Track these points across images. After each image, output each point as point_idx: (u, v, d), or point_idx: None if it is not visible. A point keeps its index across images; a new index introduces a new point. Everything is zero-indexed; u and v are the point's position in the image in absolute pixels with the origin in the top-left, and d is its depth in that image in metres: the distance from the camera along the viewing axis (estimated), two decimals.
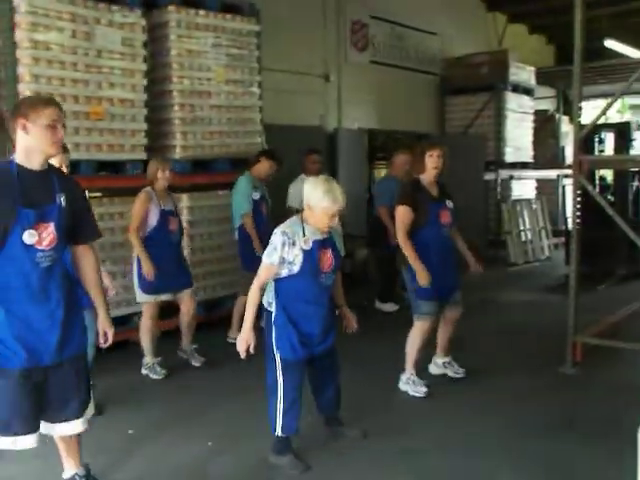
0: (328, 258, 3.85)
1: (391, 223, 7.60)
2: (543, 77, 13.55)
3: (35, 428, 3.21)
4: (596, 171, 9.75)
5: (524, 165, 12.86)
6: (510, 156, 12.31)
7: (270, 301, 3.90)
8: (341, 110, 10.73)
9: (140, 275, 5.45)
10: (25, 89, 5.60)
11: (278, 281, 3.85)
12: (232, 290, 7.12)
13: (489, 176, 11.99)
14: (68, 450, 3.54)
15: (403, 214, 4.97)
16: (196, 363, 5.88)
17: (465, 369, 5.46)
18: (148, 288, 5.48)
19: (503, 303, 8.56)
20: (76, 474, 3.58)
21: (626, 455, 2.99)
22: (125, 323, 6.21)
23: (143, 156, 6.42)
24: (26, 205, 3.00)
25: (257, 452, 4.12)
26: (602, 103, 14.68)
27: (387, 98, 11.48)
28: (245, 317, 3.83)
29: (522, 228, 11.73)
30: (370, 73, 11.36)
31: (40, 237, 3.04)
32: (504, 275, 10.46)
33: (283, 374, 3.85)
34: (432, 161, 5.02)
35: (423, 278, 4.84)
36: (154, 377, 5.61)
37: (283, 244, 3.72)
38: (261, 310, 3.95)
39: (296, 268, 3.76)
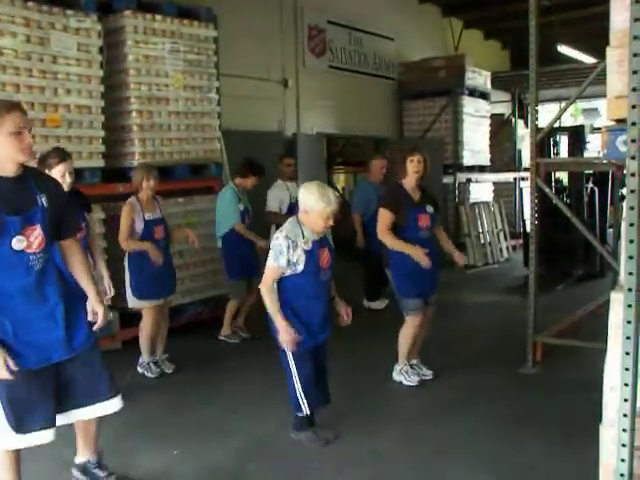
0: (326, 256, 4.15)
1: (360, 230, 7.75)
2: (499, 81, 13.72)
3: (52, 424, 3.22)
4: (552, 173, 9.90)
5: (482, 168, 13.01)
6: (468, 159, 12.44)
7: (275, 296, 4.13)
8: (299, 115, 10.73)
9: (133, 282, 5.57)
10: None
11: (281, 280, 4.11)
12: (192, 297, 7.14)
13: (447, 179, 12.10)
14: (86, 437, 3.64)
15: (384, 217, 5.19)
16: (168, 370, 5.88)
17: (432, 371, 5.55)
18: (141, 294, 5.57)
19: (463, 305, 8.64)
20: (88, 461, 3.71)
21: (586, 452, 3.04)
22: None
23: (101, 163, 6.36)
24: (9, 213, 2.99)
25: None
26: (556, 107, 14.97)
27: (345, 103, 11.52)
28: (274, 315, 4.05)
29: (481, 230, 11.87)
30: (328, 78, 11.39)
31: (29, 241, 3.05)
32: (463, 277, 10.55)
33: (295, 364, 4.14)
34: (413, 166, 5.22)
35: (419, 256, 5.02)
36: (150, 375, 5.73)
37: (288, 247, 3.99)
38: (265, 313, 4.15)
39: (300, 268, 4.04)
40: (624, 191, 2.83)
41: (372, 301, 8.27)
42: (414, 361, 5.55)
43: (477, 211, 11.97)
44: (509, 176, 14.26)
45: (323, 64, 11.38)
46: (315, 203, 4.00)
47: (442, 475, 3.96)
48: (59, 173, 4.46)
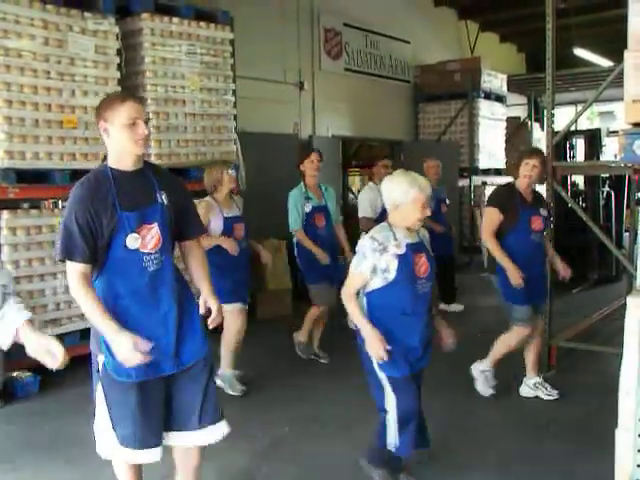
0: (423, 263, 3.48)
1: (434, 224, 7.50)
2: (514, 85, 13.69)
3: (158, 442, 3.00)
4: (568, 177, 9.86)
5: (497, 171, 12.97)
6: (483, 162, 12.41)
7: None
8: (315, 118, 10.74)
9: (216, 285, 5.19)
10: None
11: (371, 294, 3.48)
12: None
13: (462, 182, 12.08)
14: (186, 469, 3.23)
15: (491, 216, 4.95)
16: (231, 391, 5.37)
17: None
18: (223, 297, 4.96)
19: (477, 308, 8.59)
20: None
21: (601, 456, 3.02)
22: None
23: None
24: (126, 209, 2.84)
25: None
26: (572, 110, 14.92)
27: (361, 106, 11.53)
28: (360, 325, 3.43)
29: None
30: (344, 81, 11.41)
31: (144, 240, 2.86)
32: (479, 281, 10.49)
33: (395, 393, 3.46)
34: (526, 169, 4.96)
35: (514, 277, 4.77)
36: (230, 392, 5.33)
37: (373, 250, 3.40)
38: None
39: (391, 276, 3.39)
40: None
41: (449, 304, 8.28)
42: (537, 379, 5.25)
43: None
44: None
45: (339, 67, 11.38)
46: (405, 192, 3.40)
47: (457, 475, 3.95)
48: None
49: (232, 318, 5.20)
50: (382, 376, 3.47)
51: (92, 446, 3.12)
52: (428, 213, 3.46)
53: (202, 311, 3.14)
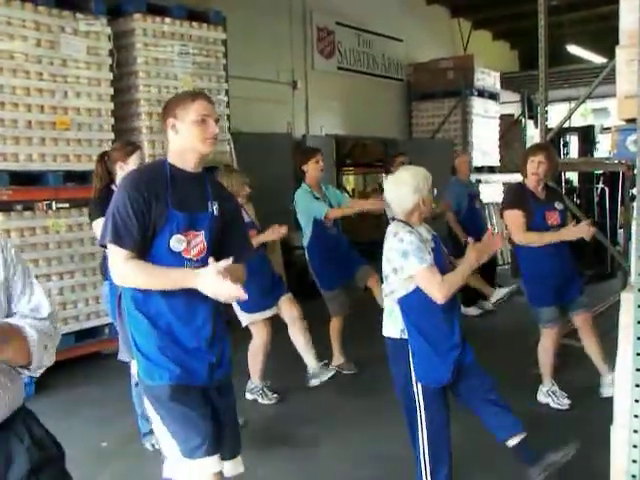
0: (446, 255, 3.38)
1: (458, 227, 7.48)
2: (507, 82, 13.72)
3: (214, 448, 2.74)
4: (562, 174, 9.87)
5: (491, 169, 12.99)
6: (477, 160, 12.41)
7: (402, 328, 3.23)
8: (309, 117, 10.75)
9: None
10: None
11: (406, 298, 3.22)
12: None
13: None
14: None
15: (515, 217, 4.81)
16: (266, 401, 5.25)
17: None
18: (251, 306, 4.88)
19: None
20: None
21: (596, 452, 3.03)
22: (95, 335, 6.15)
23: None
24: (177, 208, 2.70)
25: None
26: (565, 107, 14.93)
27: (354, 104, 11.54)
28: (467, 269, 3.23)
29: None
30: (337, 80, 11.41)
31: (189, 245, 2.72)
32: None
33: (425, 408, 3.21)
34: (532, 167, 4.87)
35: (580, 231, 4.63)
36: (264, 402, 5.23)
37: (421, 240, 3.18)
38: None
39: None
40: (634, 191, 2.82)
41: (468, 307, 7.92)
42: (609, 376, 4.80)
43: (487, 212, 11.94)
44: (519, 177, 14.16)
45: (332, 66, 11.39)
46: (424, 183, 3.28)
47: (456, 475, 3.94)
48: (137, 161, 4.10)
49: (258, 329, 5.10)
50: (418, 389, 3.22)
51: (87, 447, 3.11)
52: (431, 199, 3.31)
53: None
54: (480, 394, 3.38)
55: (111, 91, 6.40)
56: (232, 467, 2.88)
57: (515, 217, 4.79)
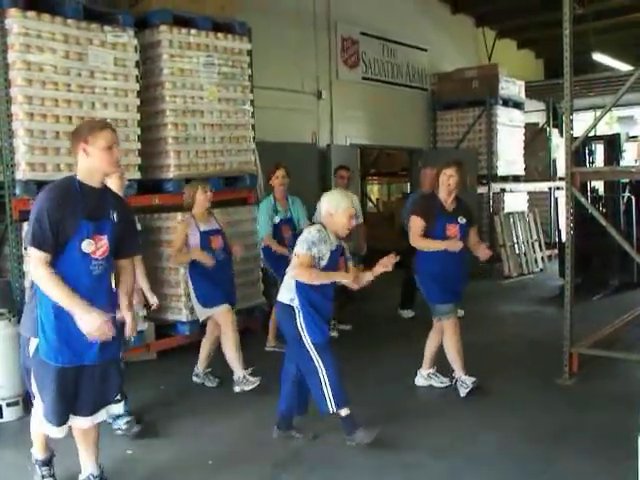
0: (342, 264, 4.52)
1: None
2: (532, 91, 13.65)
3: (65, 421, 3.52)
4: (588, 182, 9.80)
5: (516, 178, 12.92)
6: (502, 169, 12.36)
7: (292, 297, 4.38)
8: (333, 127, 10.78)
9: (197, 292, 5.65)
10: (18, 110, 5.61)
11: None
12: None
13: (482, 190, 12.04)
14: (87, 449, 3.76)
15: (415, 223, 5.39)
16: (210, 384, 5.81)
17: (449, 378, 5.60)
18: (207, 301, 5.62)
19: (499, 315, 8.58)
20: (91, 474, 3.78)
21: (624, 464, 3.00)
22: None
23: (137, 176, 6.43)
24: (86, 218, 3.35)
25: None
26: (590, 115, 14.85)
27: (379, 114, 11.56)
28: (331, 277, 4.41)
29: (515, 241, 11.77)
30: (361, 89, 11.44)
31: (96, 247, 3.39)
32: (499, 288, 10.49)
33: (320, 357, 4.33)
34: (443, 180, 5.43)
35: (451, 245, 5.25)
36: (250, 388, 5.51)
37: (320, 240, 4.32)
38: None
39: (323, 263, 4.34)
40: None
41: (404, 309, 8.52)
42: (431, 370, 5.71)
43: (512, 221, 11.89)
44: (544, 185, 14.12)
45: (356, 75, 11.42)
46: (339, 202, 4.38)
47: None
48: (117, 174, 4.50)
49: (224, 319, 5.55)
50: (309, 343, 4.34)
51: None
52: (353, 224, 4.45)
53: (121, 316, 3.72)
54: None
55: (137, 102, 6.46)
56: (91, 418, 3.64)
57: (415, 222, 5.39)
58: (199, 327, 6.82)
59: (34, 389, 3.53)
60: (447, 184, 5.40)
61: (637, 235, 9.60)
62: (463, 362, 5.43)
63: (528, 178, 13.40)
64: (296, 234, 6.05)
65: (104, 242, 3.43)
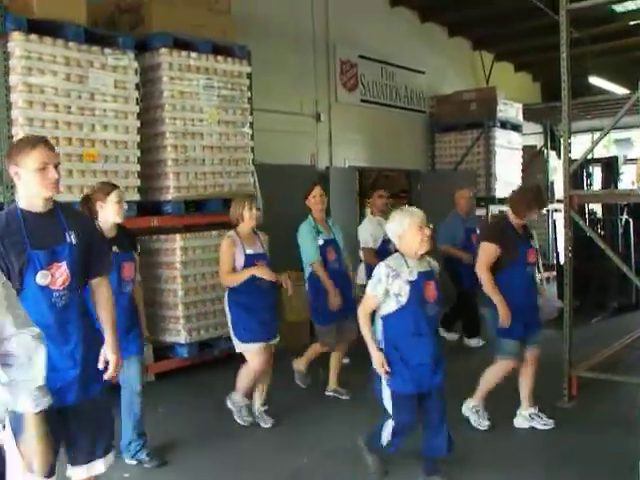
0: (432, 289, 3.95)
1: (458, 252, 7.58)
2: (530, 113, 13.73)
3: (53, 472, 2.95)
4: (586, 205, 9.83)
5: None
6: (500, 192, 12.37)
7: (379, 339, 3.97)
8: (332, 149, 10.83)
9: (236, 324, 5.16)
10: (19, 132, 5.64)
11: (386, 317, 3.93)
12: (225, 331, 7.12)
13: (480, 211, 12.06)
14: None
15: (489, 251, 4.99)
16: (265, 424, 5.35)
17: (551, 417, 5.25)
18: (247, 337, 5.13)
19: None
20: None
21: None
22: None
23: (136, 197, 6.45)
24: (35, 247, 2.94)
25: None
26: (588, 138, 14.91)
27: (377, 136, 11.61)
28: (368, 343, 3.96)
29: None
30: (360, 112, 11.49)
31: (53, 277, 2.97)
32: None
33: (395, 406, 3.92)
34: (532, 205, 5.17)
35: (504, 315, 4.82)
36: (239, 421, 5.34)
37: (387, 275, 3.86)
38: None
39: (403, 299, 3.85)
40: None
41: (470, 338, 8.05)
42: (533, 410, 5.22)
43: None
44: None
45: (355, 98, 11.48)
46: (402, 220, 3.94)
47: None
48: (114, 200, 4.29)
49: (252, 357, 5.16)
50: (388, 390, 3.92)
51: None
52: (427, 233, 3.91)
53: (101, 365, 3.28)
54: (432, 414, 4.02)
55: (137, 124, 6.50)
56: (86, 470, 3.16)
57: (488, 250, 5.01)
58: (198, 350, 6.84)
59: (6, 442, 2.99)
60: (532, 210, 5.13)
61: (635, 257, 9.61)
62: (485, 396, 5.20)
63: (508, 203, 13.39)
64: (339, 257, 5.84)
65: (63, 269, 3.00)
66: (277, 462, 4.65)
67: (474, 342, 7.96)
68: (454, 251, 7.69)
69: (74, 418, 3.09)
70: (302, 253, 5.90)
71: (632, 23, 12.25)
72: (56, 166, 3.03)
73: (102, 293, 3.32)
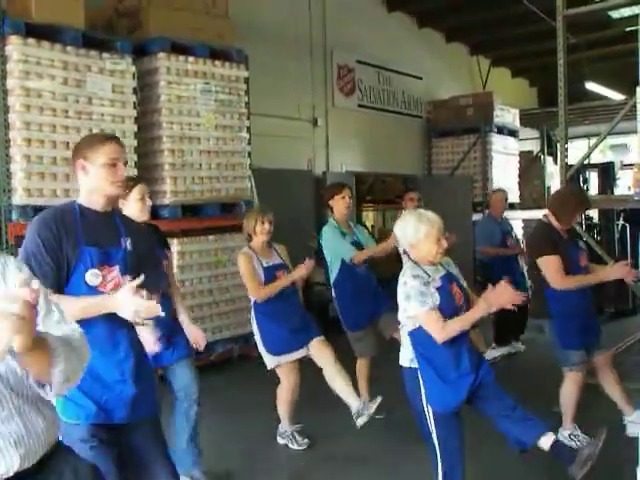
0: (457, 291, 3.52)
1: (499, 250, 7.42)
2: (526, 119, 13.76)
3: None
4: None
5: (511, 206, 12.95)
6: None
7: (411, 357, 3.51)
8: (329, 154, 10.84)
9: (265, 338, 4.90)
10: (16, 136, 5.65)
11: (413, 333, 3.46)
12: (222, 334, 7.14)
13: (476, 217, 12.07)
14: None
15: (553, 264, 4.67)
16: (298, 447, 5.00)
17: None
18: (278, 349, 4.87)
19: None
20: None
21: None
22: None
23: None
24: (89, 244, 2.78)
25: None
26: (584, 143, 14.95)
27: (374, 141, 11.63)
28: (473, 315, 3.41)
29: None
30: (357, 117, 11.52)
31: (104, 280, 2.78)
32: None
33: (438, 431, 3.43)
34: (572, 207, 4.91)
35: (619, 272, 4.62)
36: (294, 447, 5.01)
37: (424, 284, 3.38)
38: None
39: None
40: None
41: (501, 346, 7.68)
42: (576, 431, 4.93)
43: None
44: (538, 213, 14.14)
45: (352, 103, 11.50)
46: (417, 227, 3.45)
47: None
48: (137, 197, 3.97)
49: (285, 372, 4.92)
50: (430, 413, 3.43)
51: None
52: (445, 245, 3.48)
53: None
54: (502, 411, 3.53)
55: (135, 128, 6.50)
56: None
57: (552, 262, 4.68)
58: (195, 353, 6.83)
59: None
60: (577, 213, 4.94)
61: (632, 262, 9.62)
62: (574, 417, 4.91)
63: (523, 205, 13.44)
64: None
65: (115, 274, 2.81)
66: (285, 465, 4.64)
67: (503, 350, 7.65)
68: (494, 250, 7.47)
69: (128, 441, 2.85)
70: (332, 256, 5.50)
71: (628, 29, 12.29)
72: (125, 164, 2.95)
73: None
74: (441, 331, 3.34)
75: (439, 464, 3.43)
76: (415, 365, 3.48)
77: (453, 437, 3.46)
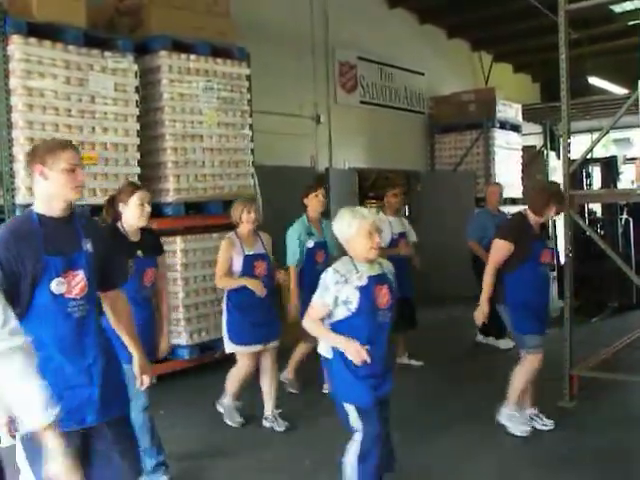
0: (385, 294, 3.56)
1: (483, 254, 7.06)
2: (529, 114, 13.73)
3: None
4: (585, 205, 9.83)
5: (514, 201, 12.94)
6: None
7: (327, 347, 3.64)
8: (332, 150, 10.83)
9: (229, 325, 5.17)
10: (19, 135, 5.66)
11: (335, 325, 3.57)
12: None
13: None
14: None
15: (502, 250, 4.93)
16: (279, 428, 5.27)
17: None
18: (238, 339, 5.15)
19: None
20: None
21: None
22: None
23: None
24: (51, 253, 2.80)
25: None
26: (587, 138, 14.92)
27: (377, 137, 11.63)
28: (326, 338, 3.62)
29: None
30: (360, 113, 11.52)
31: (69, 286, 2.83)
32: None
33: (362, 421, 3.54)
34: (551, 203, 5.02)
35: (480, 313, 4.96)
36: (229, 422, 5.37)
37: (336, 282, 3.49)
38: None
39: (353, 306, 3.49)
40: None
41: (498, 339, 7.75)
42: (533, 410, 5.17)
43: None
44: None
45: (354, 99, 11.49)
46: (349, 223, 3.54)
47: None
48: (136, 203, 4.13)
49: (243, 360, 5.22)
50: (346, 405, 3.56)
51: None
52: (378, 242, 3.56)
53: (138, 384, 3.34)
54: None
55: (137, 126, 6.51)
56: None
57: (501, 247, 4.95)
58: (199, 351, 6.85)
59: (21, 463, 2.87)
60: (553, 210, 5.05)
61: (635, 257, 9.62)
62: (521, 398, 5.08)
63: (526, 201, 13.41)
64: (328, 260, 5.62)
65: (80, 278, 2.86)
66: (285, 463, 4.66)
67: (503, 343, 7.66)
68: (480, 251, 7.35)
69: (96, 443, 2.91)
70: (287, 253, 5.96)
71: (631, 23, 12.28)
72: (82, 169, 2.98)
73: (120, 307, 3.23)
74: (309, 320, 3.61)
75: (358, 447, 3.53)
76: (329, 356, 3.61)
77: (374, 428, 3.53)
